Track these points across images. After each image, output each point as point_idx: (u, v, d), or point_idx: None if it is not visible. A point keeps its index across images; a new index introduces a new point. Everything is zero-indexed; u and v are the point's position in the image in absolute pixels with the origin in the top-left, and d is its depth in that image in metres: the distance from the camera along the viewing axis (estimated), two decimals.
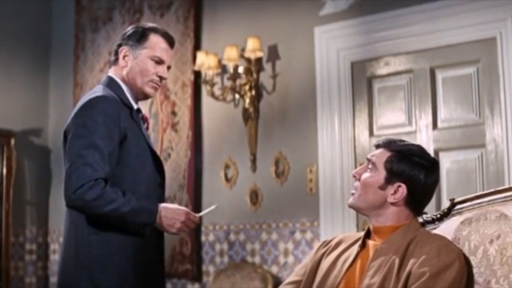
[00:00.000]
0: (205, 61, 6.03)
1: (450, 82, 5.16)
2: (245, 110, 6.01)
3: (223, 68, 6.01)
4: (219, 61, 6.01)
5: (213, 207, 3.47)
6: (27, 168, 7.48)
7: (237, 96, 6.02)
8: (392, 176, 2.74)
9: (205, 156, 6.31)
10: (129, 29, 3.45)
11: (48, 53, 7.74)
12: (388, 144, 2.80)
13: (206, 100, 6.18)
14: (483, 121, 4.99)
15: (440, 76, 5.22)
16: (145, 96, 3.42)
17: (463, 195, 2.95)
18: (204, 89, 6.19)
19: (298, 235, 5.71)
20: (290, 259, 5.73)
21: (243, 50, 5.91)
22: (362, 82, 5.55)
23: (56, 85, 7.69)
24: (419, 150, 2.81)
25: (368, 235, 2.84)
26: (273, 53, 5.95)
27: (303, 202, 5.70)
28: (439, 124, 5.19)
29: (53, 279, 7.54)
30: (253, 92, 5.96)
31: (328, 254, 2.89)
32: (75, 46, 7.51)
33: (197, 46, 6.39)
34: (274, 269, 5.79)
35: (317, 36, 5.71)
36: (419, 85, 5.28)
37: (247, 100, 5.97)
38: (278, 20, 5.96)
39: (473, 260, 2.65)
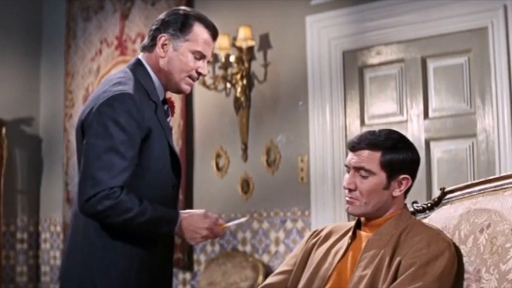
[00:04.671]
0: None
1: (441, 71, 5.16)
2: (236, 99, 6.01)
3: (215, 57, 5.99)
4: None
5: (244, 219, 3.23)
6: (18, 157, 7.47)
7: (228, 85, 6.01)
8: (393, 173, 2.73)
9: (196, 145, 6.30)
10: (170, 14, 3.10)
11: (39, 42, 7.72)
12: (370, 145, 2.73)
13: (197, 89, 6.17)
14: (474, 111, 4.99)
15: (431, 65, 5.22)
16: (178, 91, 3.13)
17: (454, 185, 2.96)
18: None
19: (289, 224, 5.71)
20: (281, 248, 5.74)
21: (234, 39, 5.90)
22: (354, 71, 5.54)
23: (47, 74, 7.67)
24: (396, 135, 2.80)
25: (358, 225, 2.83)
26: (264, 42, 5.94)
27: (294, 191, 5.70)
28: (430, 114, 5.19)
29: (44, 268, 7.54)
30: (245, 81, 5.95)
31: (319, 246, 2.89)
32: (66, 35, 7.49)
33: None
34: (265, 258, 5.80)
35: (308, 25, 5.70)
36: (410, 74, 5.28)
37: (239, 89, 5.96)
38: (269, 9, 5.94)
39: (463, 249, 2.66)
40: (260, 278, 5.55)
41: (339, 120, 5.53)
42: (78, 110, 7.19)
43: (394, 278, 2.56)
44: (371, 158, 2.72)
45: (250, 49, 5.93)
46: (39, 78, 7.70)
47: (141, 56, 3.11)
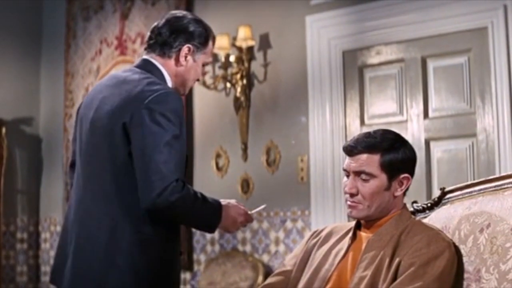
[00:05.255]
0: None
1: (441, 71, 5.16)
2: (236, 99, 6.01)
3: (215, 57, 5.99)
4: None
5: (262, 206, 3.38)
6: (18, 157, 7.47)
7: (228, 85, 6.01)
8: (393, 173, 2.72)
9: (196, 145, 6.30)
10: (194, 25, 3.20)
11: (39, 41, 7.72)
12: (368, 148, 2.71)
13: (197, 89, 6.17)
14: (474, 110, 4.99)
15: (431, 65, 5.22)
16: (182, 94, 3.27)
17: (453, 185, 2.96)
18: None
19: (289, 224, 5.72)
20: (281, 247, 5.74)
21: (234, 39, 5.90)
22: (354, 71, 5.55)
23: (47, 73, 7.67)
24: (391, 135, 2.78)
25: (358, 226, 2.83)
26: (264, 42, 5.95)
27: (294, 191, 5.70)
28: (430, 114, 5.19)
29: (44, 268, 7.54)
30: (245, 81, 5.95)
31: (320, 246, 2.88)
32: (66, 35, 7.49)
33: None
34: (265, 258, 5.80)
35: (308, 25, 5.70)
36: (410, 74, 5.28)
37: (239, 89, 5.96)
38: (269, 9, 5.95)
39: (463, 249, 2.66)
40: (260, 278, 5.55)
41: (339, 120, 5.53)
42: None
43: (394, 278, 2.56)
44: (370, 161, 2.71)
45: (250, 49, 5.93)
46: (39, 78, 7.70)
47: (153, 58, 3.17)
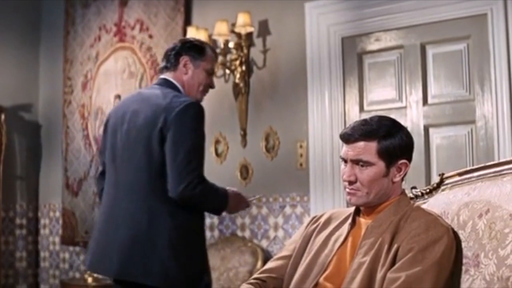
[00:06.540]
0: (196, 36, 6.02)
1: (440, 58, 5.16)
2: (235, 85, 6.01)
3: (214, 43, 5.99)
4: (210, 36, 5.99)
5: (258, 196, 4.44)
6: (17, 143, 7.48)
7: (227, 71, 6.01)
8: (391, 159, 2.71)
9: None
10: (189, 42, 3.99)
11: (38, 28, 7.71)
12: (364, 135, 2.70)
13: None
14: (473, 97, 4.99)
15: (430, 52, 5.22)
16: (199, 101, 3.91)
17: (452, 171, 2.96)
18: None
19: (288, 210, 5.73)
20: (280, 233, 5.75)
21: (233, 25, 5.90)
22: (353, 57, 5.55)
23: (46, 60, 7.67)
24: (388, 121, 2.77)
25: (358, 212, 2.84)
26: (263, 28, 5.94)
27: (293, 177, 5.71)
28: (430, 100, 5.19)
29: (44, 254, 7.56)
30: (244, 67, 5.95)
31: (319, 232, 2.89)
32: (65, 21, 7.48)
33: (187, 21, 6.38)
34: (264, 243, 5.82)
35: (307, 11, 5.70)
36: (409, 61, 5.28)
37: (238, 75, 5.96)
38: None
39: (462, 235, 2.67)
40: (259, 263, 5.56)
41: (338, 106, 5.54)
42: (77, 96, 7.22)
43: (393, 263, 2.56)
44: (367, 149, 2.70)
45: (249, 35, 5.93)
46: (38, 65, 7.70)
47: (166, 76, 3.91)
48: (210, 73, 3.98)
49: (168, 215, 3.63)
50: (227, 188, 3.90)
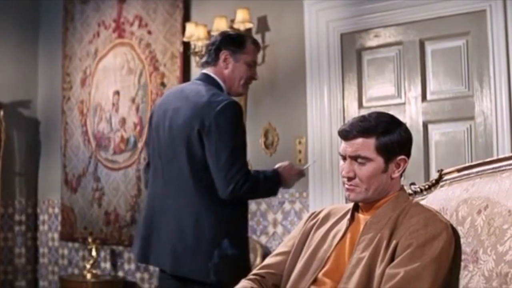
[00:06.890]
0: (195, 32, 6.02)
1: (439, 54, 5.16)
2: None
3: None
4: (209, 32, 5.99)
5: (312, 161, 4.76)
6: (16, 139, 7.48)
7: None
8: (390, 155, 2.71)
9: None
10: (228, 35, 3.97)
11: (37, 24, 7.71)
12: (363, 132, 2.70)
13: (195, 72, 6.16)
14: (472, 93, 4.99)
15: (429, 48, 5.22)
16: (239, 95, 4.04)
17: (451, 167, 2.96)
18: (193, 61, 6.18)
19: (287, 206, 5.73)
20: (279, 229, 5.76)
21: (232, 21, 5.89)
22: (352, 53, 5.55)
23: (45, 56, 7.67)
24: (386, 117, 2.77)
25: (356, 208, 2.84)
26: (262, 25, 5.94)
27: None
28: (428, 96, 5.20)
29: (43, 250, 7.56)
30: None
31: (318, 228, 2.89)
32: (64, 18, 7.48)
33: (186, 17, 6.38)
34: (263, 239, 5.82)
35: (306, 7, 5.69)
36: (408, 57, 5.28)
37: None
38: None
39: (461, 231, 2.67)
40: (258, 259, 5.56)
41: (337, 103, 5.54)
42: (76, 92, 7.21)
43: (392, 259, 2.56)
44: (366, 145, 2.69)
45: (248, 31, 5.91)
46: (37, 61, 7.70)
47: (207, 71, 3.89)
48: (252, 65, 3.95)
49: (212, 212, 3.69)
50: (277, 165, 3.94)
